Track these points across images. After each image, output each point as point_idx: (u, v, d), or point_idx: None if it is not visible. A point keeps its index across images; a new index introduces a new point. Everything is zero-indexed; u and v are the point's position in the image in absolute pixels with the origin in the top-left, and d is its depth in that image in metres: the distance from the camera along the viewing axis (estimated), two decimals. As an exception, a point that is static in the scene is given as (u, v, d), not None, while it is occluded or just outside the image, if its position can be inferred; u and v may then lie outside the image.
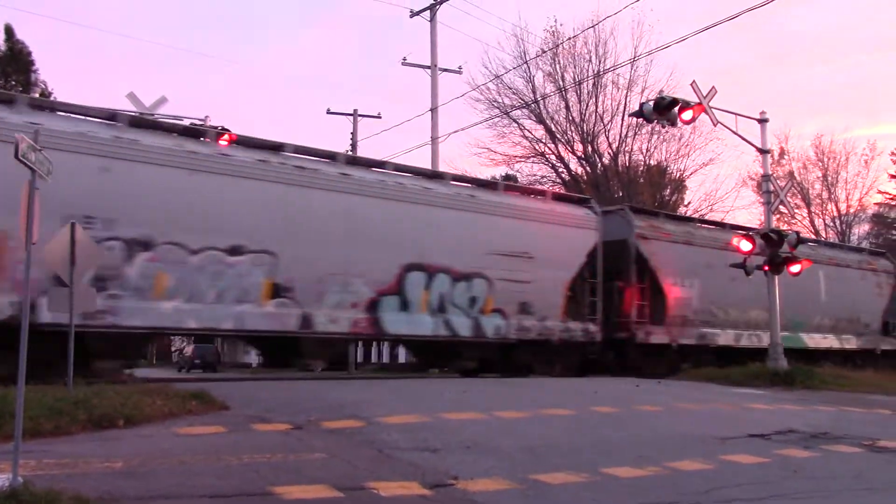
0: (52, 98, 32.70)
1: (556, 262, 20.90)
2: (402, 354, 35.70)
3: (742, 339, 25.65)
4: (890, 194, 53.79)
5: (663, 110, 19.11)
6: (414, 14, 32.14)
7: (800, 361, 23.74)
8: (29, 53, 35.38)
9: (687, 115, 19.26)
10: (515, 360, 20.44)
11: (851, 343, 29.66)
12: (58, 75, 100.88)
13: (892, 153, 54.05)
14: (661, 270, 23.25)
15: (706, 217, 36.68)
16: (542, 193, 23.93)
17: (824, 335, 28.68)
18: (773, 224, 22.09)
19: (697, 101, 19.28)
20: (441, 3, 31.86)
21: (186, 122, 21.18)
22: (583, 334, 21.60)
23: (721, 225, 28.77)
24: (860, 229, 53.45)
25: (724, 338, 25.15)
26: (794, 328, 26.50)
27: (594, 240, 22.10)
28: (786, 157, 50.51)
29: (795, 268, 20.75)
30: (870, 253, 34.56)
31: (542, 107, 39.24)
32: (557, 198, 23.30)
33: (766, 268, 20.77)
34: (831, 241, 36.31)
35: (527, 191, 24.45)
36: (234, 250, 15.79)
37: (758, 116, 21.73)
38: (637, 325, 22.56)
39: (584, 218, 22.22)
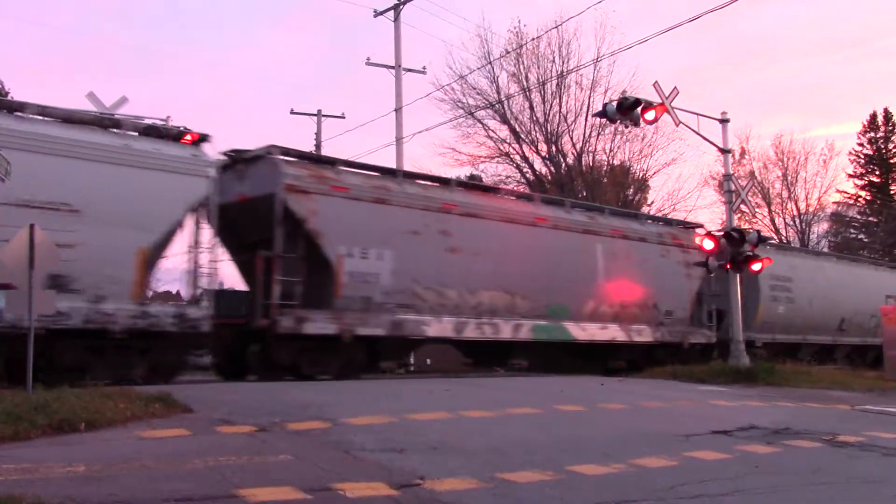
0: (8, 97, 32.18)
1: (125, 220, 15.02)
2: None
3: (467, 329, 19.97)
4: (848, 193, 54.86)
5: (626, 110, 19.33)
6: (378, 14, 32.12)
7: (567, 357, 22.34)
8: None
9: (650, 115, 19.50)
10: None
11: (645, 335, 24.15)
12: (15, 75, 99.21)
13: (850, 153, 55.15)
14: (325, 236, 17.54)
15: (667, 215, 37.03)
16: (118, 125, 16.40)
17: (603, 325, 23.07)
18: (735, 223, 22.41)
19: (660, 101, 19.51)
20: (405, 3, 31.88)
21: (147, 122, 20.96)
22: (175, 321, 15.74)
23: (441, 180, 22.36)
24: (819, 228, 54.45)
25: (437, 328, 19.42)
26: (556, 316, 21.76)
27: (203, 191, 16.19)
28: (746, 156, 51.37)
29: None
30: (682, 226, 28.18)
31: (506, 107, 39.47)
32: (144, 131, 16.35)
33: (728, 265, 21.06)
34: (633, 211, 31.35)
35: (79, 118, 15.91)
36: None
37: (719, 117, 22.04)
38: (281, 310, 16.86)
39: (183, 160, 16.13)
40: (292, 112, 38.79)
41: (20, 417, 8.91)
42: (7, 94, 33.55)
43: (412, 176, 21.88)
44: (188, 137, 16.59)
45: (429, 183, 21.35)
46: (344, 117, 39.32)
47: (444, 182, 21.97)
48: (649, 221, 27.69)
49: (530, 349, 22.83)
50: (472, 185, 27.39)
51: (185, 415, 10.52)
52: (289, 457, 8.03)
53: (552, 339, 21.85)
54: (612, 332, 23.25)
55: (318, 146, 38.44)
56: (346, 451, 8.39)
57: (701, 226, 28.42)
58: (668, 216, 37.28)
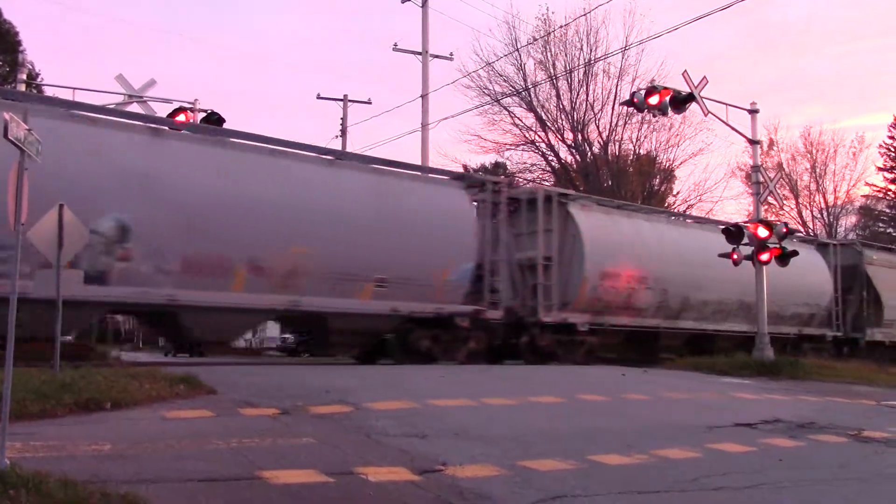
0: (39, 80, 32.46)
1: None
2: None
3: None
4: (877, 186, 54.14)
5: (659, 103, 19.20)
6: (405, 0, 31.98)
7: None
8: (16, 34, 35.12)
9: (677, 104, 19.34)
10: None
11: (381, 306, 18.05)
12: (45, 56, 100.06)
13: (880, 145, 54.40)
14: None
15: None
16: None
17: (326, 297, 17.23)
18: (762, 215, 22.18)
19: (689, 90, 19.32)
20: (433, -11, 31.71)
21: (175, 105, 21.09)
22: None
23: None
24: (847, 221, 53.81)
25: None
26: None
27: None
28: (775, 148, 50.80)
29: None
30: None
31: (532, 94, 39.27)
32: None
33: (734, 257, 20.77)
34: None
35: None
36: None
37: (748, 107, 21.78)
38: None
39: None
40: (318, 97, 38.77)
41: (48, 395, 9.02)
42: (38, 75, 33.84)
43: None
44: None
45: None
46: (370, 103, 39.22)
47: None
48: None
49: None
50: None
51: (209, 396, 10.62)
52: (311, 440, 8.07)
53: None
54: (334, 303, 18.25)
55: (343, 131, 38.45)
56: (368, 436, 8.42)
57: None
58: (694, 207, 37.04)
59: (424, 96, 31.18)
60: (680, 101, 19.51)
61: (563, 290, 21.35)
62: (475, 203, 20.74)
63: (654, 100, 19.13)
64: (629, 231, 23.20)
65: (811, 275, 27.93)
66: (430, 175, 22.24)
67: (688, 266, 23.79)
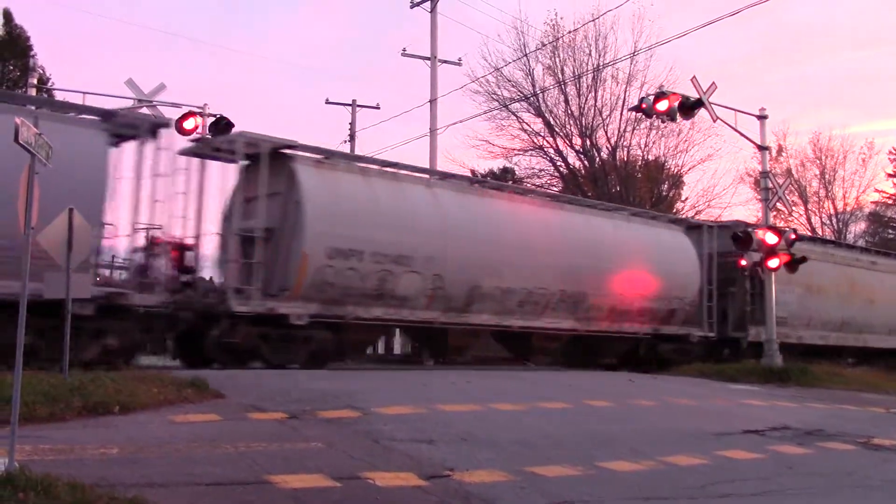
0: (49, 84, 32.61)
1: None
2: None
3: None
4: (887, 193, 53.88)
5: (668, 109, 19.19)
6: (414, 5, 32.03)
7: None
8: (27, 38, 35.23)
9: (686, 110, 19.33)
10: None
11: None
12: (55, 60, 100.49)
13: (890, 152, 54.17)
14: None
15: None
16: None
17: None
18: (771, 221, 22.14)
19: (697, 96, 19.30)
20: (441, -6, 31.73)
21: (184, 110, 21.13)
22: None
23: None
24: (857, 227, 53.56)
25: None
26: None
27: None
28: (784, 154, 50.57)
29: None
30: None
31: (541, 100, 39.15)
32: None
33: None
34: None
35: None
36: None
37: (757, 113, 21.75)
38: None
39: None
40: (327, 102, 38.78)
41: (57, 398, 9.06)
42: (48, 79, 33.97)
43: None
44: None
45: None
46: (378, 108, 39.15)
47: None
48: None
49: None
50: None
51: (217, 400, 10.64)
52: (319, 444, 8.08)
53: None
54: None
55: (352, 136, 38.47)
56: (376, 441, 8.42)
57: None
58: (702, 213, 36.96)
59: (433, 101, 31.19)
60: (688, 107, 19.48)
61: (282, 271, 16.72)
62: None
63: (662, 105, 19.09)
64: (388, 198, 18.02)
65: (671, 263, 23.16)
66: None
67: (479, 245, 18.83)
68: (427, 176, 21.22)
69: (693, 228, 24.98)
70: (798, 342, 24.59)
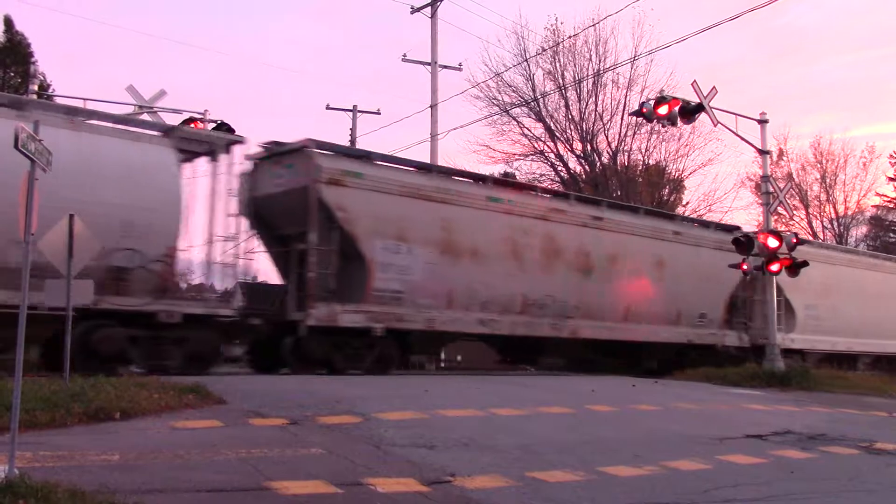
0: (50, 90, 32.64)
1: None
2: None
3: None
4: (888, 197, 53.85)
5: (668, 113, 19.22)
6: (415, 10, 32.07)
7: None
8: (28, 45, 35.30)
9: (687, 115, 19.35)
10: None
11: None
12: (55, 66, 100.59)
13: (891, 155, 54.16)
14: None
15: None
16: None
17: None
18: (772, 225, 22.12)
19: (698, 100, 19.31)
20: (442, 0, 31.80)
21: (185, 116, 21.12)
22: None
23: None
24: (858, 231, 53.52)
25: None
26: None
27: None
28: (784, 158, 50.54)
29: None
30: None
31: (541, 105, 39.17)
32: None
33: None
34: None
35: None
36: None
37: (758, 117, 21.74)
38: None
39: None
40: (328, 107, 38.86)
41: (57, 405, 9.04)
42: (48, 86, 34.01)
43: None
44: None
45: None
46: (379, 113, 39.25)
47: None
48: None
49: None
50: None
51: (218, 406, 10.61)
52: (320, 450, 8.06)
53: None
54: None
55: (352, 141, 38.48)
56: (377, 446, 8.40)
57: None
58: (704, 217, 36.91)
59: (433, 107, 31.23)
60: (689, 112, 19.50)
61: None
62: None
63: (663, 110, 19.11)
64: None
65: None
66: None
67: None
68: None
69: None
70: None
